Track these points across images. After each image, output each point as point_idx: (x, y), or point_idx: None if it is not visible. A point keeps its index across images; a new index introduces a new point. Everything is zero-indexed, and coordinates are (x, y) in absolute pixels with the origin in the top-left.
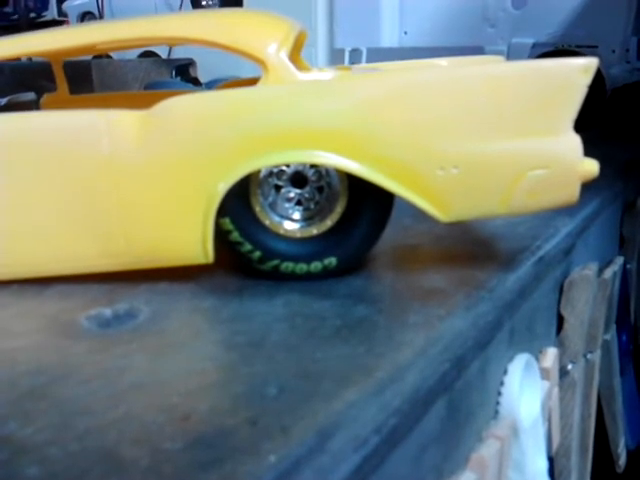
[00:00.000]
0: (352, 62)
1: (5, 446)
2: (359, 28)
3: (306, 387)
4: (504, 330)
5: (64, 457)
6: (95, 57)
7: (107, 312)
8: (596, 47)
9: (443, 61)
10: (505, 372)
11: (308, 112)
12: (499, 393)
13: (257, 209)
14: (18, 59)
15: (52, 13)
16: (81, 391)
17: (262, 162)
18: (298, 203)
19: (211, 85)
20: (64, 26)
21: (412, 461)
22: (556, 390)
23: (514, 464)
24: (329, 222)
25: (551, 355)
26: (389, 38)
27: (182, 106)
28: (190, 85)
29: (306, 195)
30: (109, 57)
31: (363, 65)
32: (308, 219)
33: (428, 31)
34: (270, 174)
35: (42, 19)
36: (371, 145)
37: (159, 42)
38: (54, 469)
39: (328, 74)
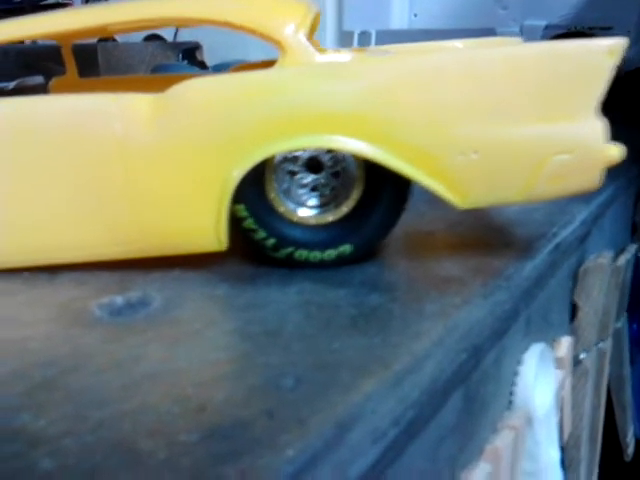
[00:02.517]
0: (361, 45)
1: (19, 438)
2: (368, 10)
3: (323, 378)
4: (520, 319)
5: (78, 449)
6: (101, 40)
7: (119, 300)
8: (610, 28)
9: (458, 43)
10: (520, 362)
11: (326, 95)
12: (513, 383)
13: (272, 195)
14: (22, 42)
15: None
16: (94, 381)
17: (279, 147)
18: (313, 189)
19: (218, 69)
20: (75, 6)
21: (429, 453)
22: (569, 380)
23: (528, 455)
24: (345, 209)
25: (565, 344)
26: (399, 20)
27: (196, 89)
28: (196, 69)
29: (321, 181)
30: (114, 40)
31: (378, 47)
32: (323, 206)
33: (438, 13)
34: (284, 159)
35: (45, 2)
36: (389, 129)
37: (173, 23)
38: (68, 461)
39: (346, 56)
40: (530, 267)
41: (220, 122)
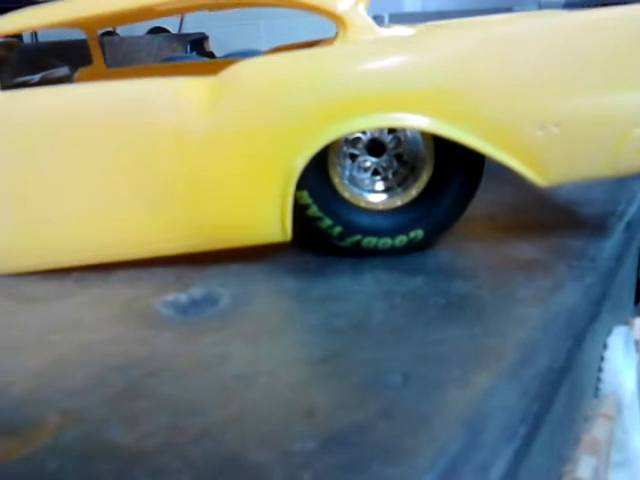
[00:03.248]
0: None
1: (112, 455)
2: None
3: (432, 373)
4: (607, 301)
5: (183, 466)
6: (105, 34)
7: (183, 298)
8: (629, 3)
9: (497, 17)
10: (606, 346)
11: (398, 71)
12: (600, 369)
13: (336, 181)
14: (21, 39)
15: None
16: (182, 386)
17: (346, 129)
18: (376, 173)
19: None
20: None
21: (544, 448)
22: None
23: (617, 444)
24: (414, 192)
25: (639, 326)
26: (412, 3)
27: (254, 70)
28: (206, 59)
29: (383, 164)
30: (117, 34)
31: (428, 24)
32: (391, 190)
33: None
34: (345, 142)
35: None
36: (465, 104)
37: (222, 4)
38: None
39: (409, 30)
40: (609, 246)
41: (282, 104)
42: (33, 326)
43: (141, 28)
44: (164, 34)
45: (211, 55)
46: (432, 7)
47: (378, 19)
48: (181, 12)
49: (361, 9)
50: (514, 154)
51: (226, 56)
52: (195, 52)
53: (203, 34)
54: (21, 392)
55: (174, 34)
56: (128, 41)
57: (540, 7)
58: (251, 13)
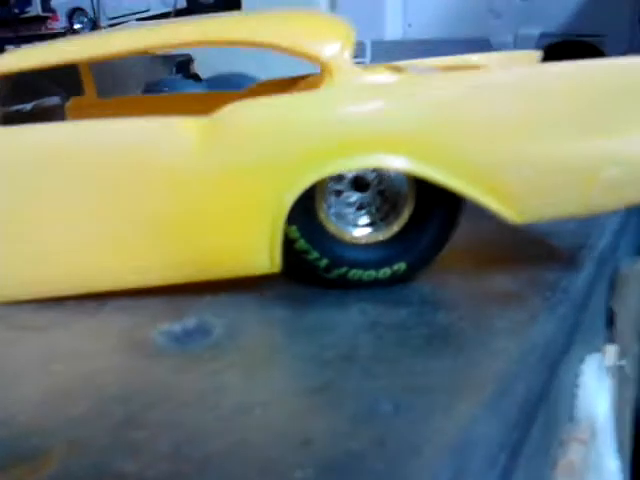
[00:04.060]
0: (355, 56)
1: None
2: (362, 21)
3: (421, 403)
4: (579, 331)
5: None
6: None
7: (177, 327)
8: (605, 36)
9: (474, 57)
10: (579, 373)
11: (378, 115)
12: (574, 395)
13: (322, 216)
14: None
15: (36, 9)
16: (183, 416)
17: (331, 169)
18: (360, 208)
19: (215, 82)
20: (112, 30)
21: (523, 475)
22: (615, 388)
23: (592, 467)
24: (395, 227)
25: (612, 352)
26: (393, 31)
27: (246, 112)
28: (192, 82)
29: (367, 199)
30: None
31: (412, 61)
32: (373, 224)
33: (432, 23)
34: (330, 179)
35: (25, 15)
36: (443, 148)
37: (214, 45)
38: None
39: (392, 76)
40: (581, 278)
41: (272, 146)
42: (32, 355)
43: None
44: (149, 56)
45: (196, 77)
46: (413, 35)
47: (360, 46)
48: (165, 51)
49: (346, 55)
50: (491, 194)
51: (212, 78)
52: (181, 74)
53: (188, 56)
54: (25, 421)
55: (160, 56)
56: (113, 62)
57: (516, 39)
58: None
